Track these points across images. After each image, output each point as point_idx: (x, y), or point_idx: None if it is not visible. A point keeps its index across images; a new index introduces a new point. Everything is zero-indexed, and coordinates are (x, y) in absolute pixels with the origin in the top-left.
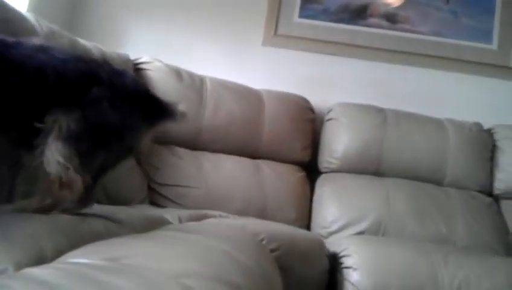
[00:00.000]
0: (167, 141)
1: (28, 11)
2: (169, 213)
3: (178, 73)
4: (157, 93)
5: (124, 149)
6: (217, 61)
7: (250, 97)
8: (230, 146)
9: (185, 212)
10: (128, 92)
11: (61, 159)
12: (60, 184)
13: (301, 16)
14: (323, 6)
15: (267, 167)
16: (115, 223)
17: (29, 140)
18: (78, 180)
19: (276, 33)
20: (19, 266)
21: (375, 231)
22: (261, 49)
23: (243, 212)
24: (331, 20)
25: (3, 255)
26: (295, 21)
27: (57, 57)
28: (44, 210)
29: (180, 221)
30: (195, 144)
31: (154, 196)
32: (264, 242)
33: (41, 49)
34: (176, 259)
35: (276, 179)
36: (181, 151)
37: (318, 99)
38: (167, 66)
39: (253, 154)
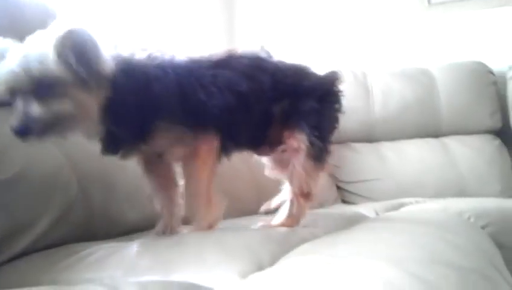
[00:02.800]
0: (343, 139)
1: None
2: (363, 208)
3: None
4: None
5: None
6: (376, 41)
7: (419, 76)
8: (408, 130)
9: (379, 205)
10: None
11: None
12: None
13: None
14: None
15: (454, 143)
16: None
17: None
18: None
19: (430, 2)
20: (243, 275)
21: None
22: (418, 21)
23: (438, 195)
24: None
25: (228, 265)
26: None
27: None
28: None
29: (377, 214)
30: (371, 137)
31: (344, 194)
32: (471, 220)
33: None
34: (388, 247)
35: (469, 152)
36: (359, 146)
37: (496, 59)
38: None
39: (435, 133)
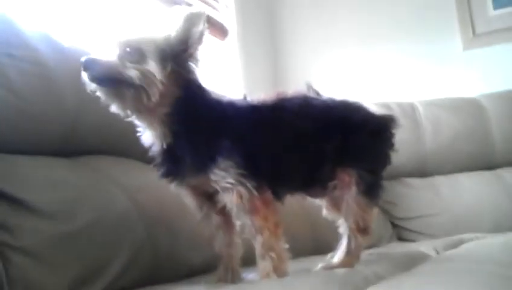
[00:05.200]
0: (395, 175)
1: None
2: (422, 246)
3: (386, 106)
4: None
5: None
6: (420, 79)
7: (468, 107)
8: (461, 163)
9: (438, 242)
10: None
11: None
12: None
13: (496, 7)
14: None
15: (509, 174)
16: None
17: None
18: None
19: (474, 33)
20: None
21: None
22: (463, 54)
23: (496, 228)
24: None
25: None
26: (491, 14)
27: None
28: None
29: (437, 252)
30: (423, 171)
31: (400, 231)
32: None
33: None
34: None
35: None
36: (412, 181)
37: None
38: (375, 103)
39: (489, 165)
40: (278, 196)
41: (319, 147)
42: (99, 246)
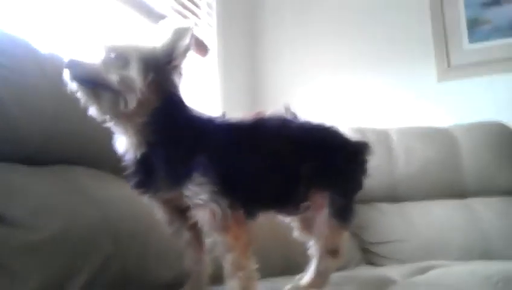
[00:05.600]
0: (367, 199)
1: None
2: (390, 271)
3: (360, 131)
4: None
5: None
6: (394, 108)
7: (440, 136)
8: (432, 191)
9: (406, 268)
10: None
11: None
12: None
13: (471, 41)
14: (492, 25)
15: (478, 204)
16: None
17: None
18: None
19: (449, 66)
20: None
21: None
22: (437, 85)
23: (463, 257)
24: (506, 36)
25: None
26: (466, 48)
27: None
28: None
29: (404, 277)
30: (394, 197)
31: (369, 255)
32: (499, 285)
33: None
34: None
35: (493, 214)
36: (383, 206)
37: None
38: (350, 128)
39: (459, 194)
40: (251, 214)
41: (294, 168)
42: (65, 257)
